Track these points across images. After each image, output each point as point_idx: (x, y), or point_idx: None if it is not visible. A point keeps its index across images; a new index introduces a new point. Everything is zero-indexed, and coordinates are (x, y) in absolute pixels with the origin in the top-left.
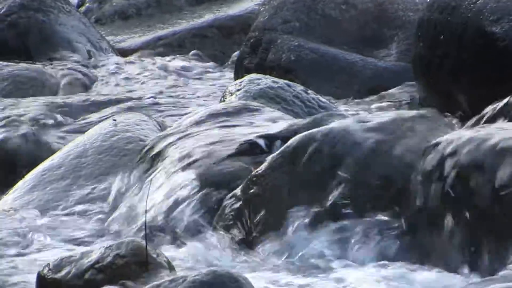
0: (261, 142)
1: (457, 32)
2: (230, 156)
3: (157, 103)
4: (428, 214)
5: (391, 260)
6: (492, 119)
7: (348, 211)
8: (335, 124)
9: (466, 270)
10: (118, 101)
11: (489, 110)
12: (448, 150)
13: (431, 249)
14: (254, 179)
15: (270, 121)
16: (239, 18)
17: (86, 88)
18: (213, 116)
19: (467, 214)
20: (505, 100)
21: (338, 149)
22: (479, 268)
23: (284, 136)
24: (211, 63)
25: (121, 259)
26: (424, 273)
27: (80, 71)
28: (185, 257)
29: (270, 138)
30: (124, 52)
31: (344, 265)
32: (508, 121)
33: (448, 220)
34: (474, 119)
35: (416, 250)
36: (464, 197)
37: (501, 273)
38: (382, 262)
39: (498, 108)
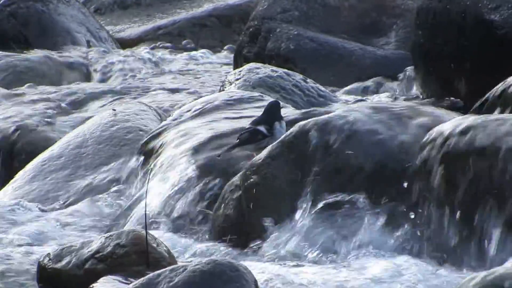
0: (261, 128)
1: (456, 20)
2: (232, 147)
3: (156, 93)
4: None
5: (393, 250)
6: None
7: (350, 199)
8: (335, 113)
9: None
10: (117, 91)
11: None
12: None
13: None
14: (253, 168)
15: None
16: (238, 7)
17: (87, 78)
18: (213, 105)
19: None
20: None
21: (338, 138)
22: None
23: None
24: (210, 52)
25: (122, 249)
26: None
27: (80, 62)
28: (186, 247)
29: (269, 122)
30: (123, 42)
31: (344, 255)
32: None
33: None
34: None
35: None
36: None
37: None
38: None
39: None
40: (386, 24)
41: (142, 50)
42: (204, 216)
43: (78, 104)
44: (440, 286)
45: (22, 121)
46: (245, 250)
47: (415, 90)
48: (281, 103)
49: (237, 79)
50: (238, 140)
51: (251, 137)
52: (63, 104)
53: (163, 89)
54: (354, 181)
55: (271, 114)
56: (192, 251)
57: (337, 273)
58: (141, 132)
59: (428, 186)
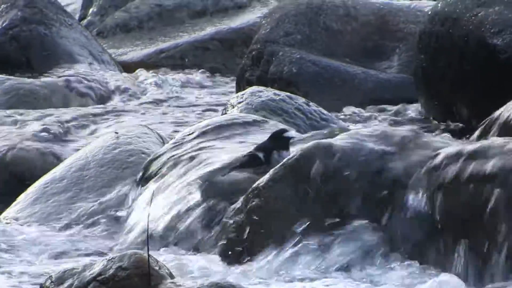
0: (260, 154)
1: (459, 44)
2: (232, 169)
3: (158, 116)
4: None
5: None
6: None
7: (353, 223)
8: (337, 137)
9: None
10: (119, 114)
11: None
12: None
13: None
14: (255, 191)
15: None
16: (240, 30)
17: (90, 101)
18: (215, 128)
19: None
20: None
21: (340, 162)
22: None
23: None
24: (213, 75)
25: (124, 272)
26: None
27: (82, 85)
28: (188, 269)
29: (268, 150)
30: (126, 65)
31: (347, 280)
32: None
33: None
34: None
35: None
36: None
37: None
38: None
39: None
40: (388, 47)
41: (144, 73)
42: (207, 238)
43: (79, 127)
44: None
45: (21, 143)
46: (248, 273)
47: (417, 114)
48: (290, 133)
49: (240, 102)
50: (238, 163)
51: (249, 162)
52: (64, 127)
53: (165, 112)
54: (355, 206)
55: (273, 142)
56: (194, 274)
57: None
58: (143, 155)
59: (431, 213)
